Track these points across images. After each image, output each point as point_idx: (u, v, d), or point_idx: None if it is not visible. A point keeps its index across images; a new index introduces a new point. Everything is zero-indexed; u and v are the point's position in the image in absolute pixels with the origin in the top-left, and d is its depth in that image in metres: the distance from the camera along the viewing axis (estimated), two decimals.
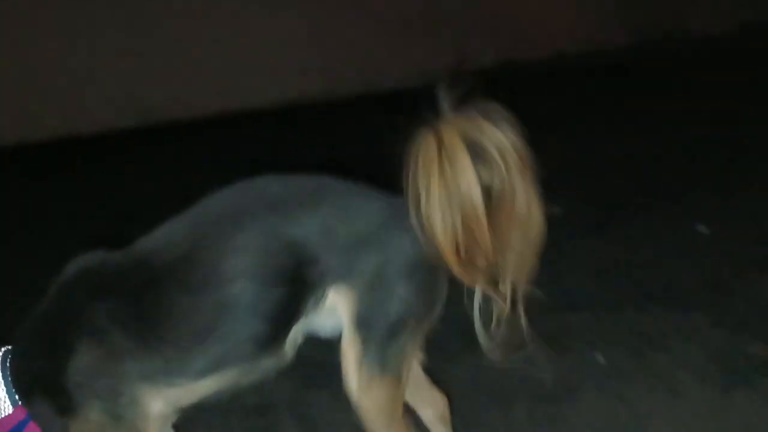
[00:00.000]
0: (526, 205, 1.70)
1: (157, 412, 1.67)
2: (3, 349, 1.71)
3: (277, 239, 1.70)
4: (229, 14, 7.39)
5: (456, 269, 1.72)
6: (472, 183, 1.65)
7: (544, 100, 6.37)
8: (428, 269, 1.76)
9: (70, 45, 6.99)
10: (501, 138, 1.66)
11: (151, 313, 1.65)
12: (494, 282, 1.77)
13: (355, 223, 1.76)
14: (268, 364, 1.78)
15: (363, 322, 1.77)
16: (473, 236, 1.67)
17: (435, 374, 2.25)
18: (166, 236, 1.75)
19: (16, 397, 1.60)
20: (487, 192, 1.68)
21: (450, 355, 2.80)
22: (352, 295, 1.77)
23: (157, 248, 1.72)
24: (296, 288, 1.73)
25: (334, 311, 1.82)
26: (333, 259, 1.75)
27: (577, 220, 4.01)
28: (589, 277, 3.49)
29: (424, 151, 1.67)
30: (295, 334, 1.82)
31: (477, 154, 1.66)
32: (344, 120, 6.75)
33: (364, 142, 4.16)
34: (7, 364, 1.64)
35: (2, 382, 1.62)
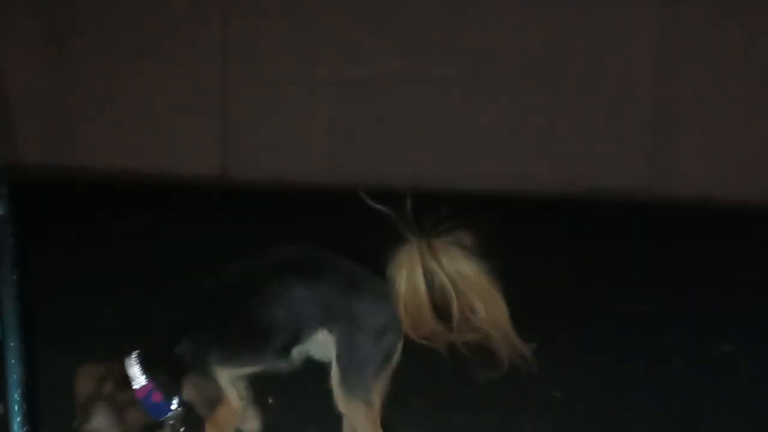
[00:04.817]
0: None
1: (224, 379, 2.59)
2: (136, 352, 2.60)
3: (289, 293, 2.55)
4: None
5: (407, 326, 2.50)
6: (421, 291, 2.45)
7: None
8: (385, 330, 2.53)
9: None
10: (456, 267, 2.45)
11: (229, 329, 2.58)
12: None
13: (335, 286, 2.56)
14: (281, 365, 2.64)
15: (340, 362, 2.52)
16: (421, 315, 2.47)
17: None
18: (230, 277, 2.64)
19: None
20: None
21: None
22: (332, 339, 2.54)
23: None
24: (297, 325, 2.57)
25: (325, 345, 2.60)
26: (319, 311, 2.55)
27: None
28: None
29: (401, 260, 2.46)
30: (298, 352, 2.63)
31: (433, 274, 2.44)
32: None
33: None
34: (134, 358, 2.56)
35: (138, 367, 2.54)
